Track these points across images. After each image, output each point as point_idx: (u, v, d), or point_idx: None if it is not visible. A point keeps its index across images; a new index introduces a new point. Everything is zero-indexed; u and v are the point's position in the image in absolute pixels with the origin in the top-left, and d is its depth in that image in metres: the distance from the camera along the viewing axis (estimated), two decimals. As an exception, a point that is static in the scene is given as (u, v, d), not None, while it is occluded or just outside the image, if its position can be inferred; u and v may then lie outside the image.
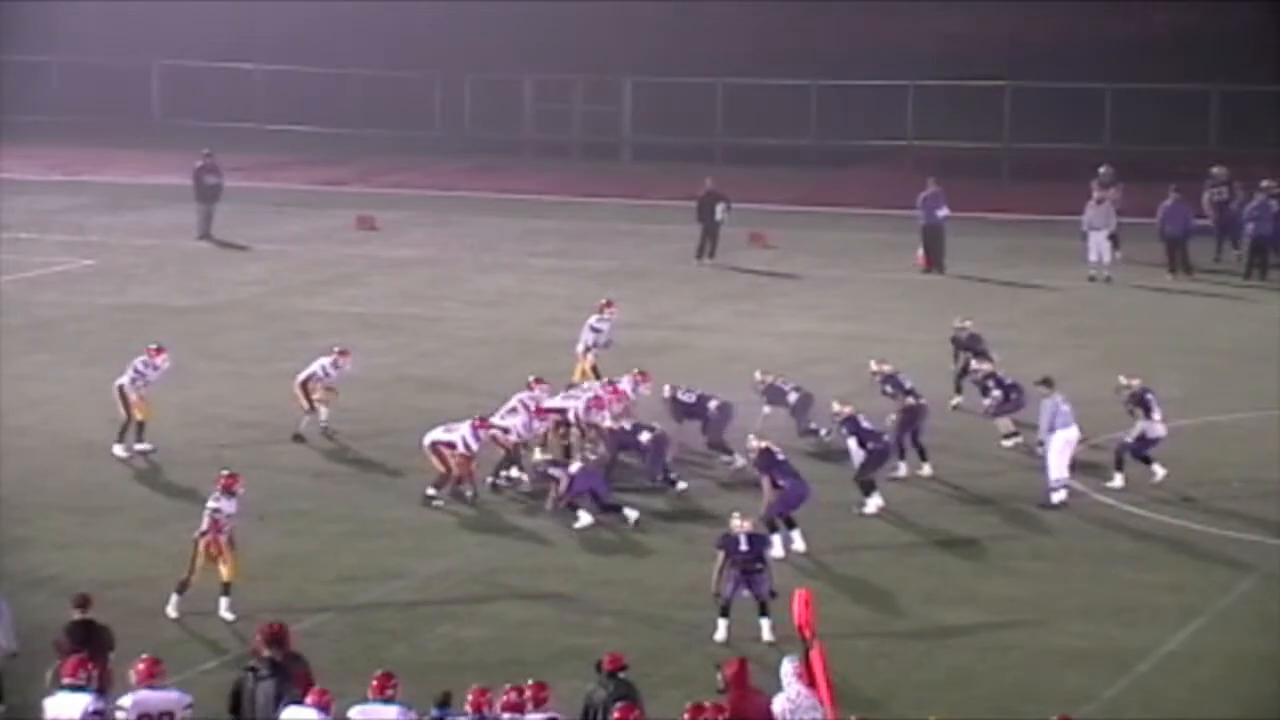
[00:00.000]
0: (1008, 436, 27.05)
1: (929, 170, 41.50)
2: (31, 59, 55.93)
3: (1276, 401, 29.33)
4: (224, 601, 20.72)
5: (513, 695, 15.92)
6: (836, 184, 48.98)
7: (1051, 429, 24.77)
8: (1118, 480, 25.16)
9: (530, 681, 16.13)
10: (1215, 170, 40.58)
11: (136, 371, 26.46)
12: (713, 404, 26.13)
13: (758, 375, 27.02)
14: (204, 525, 20.79)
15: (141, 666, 15.90)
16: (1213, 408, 29.11)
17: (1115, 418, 26.49)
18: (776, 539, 22.19)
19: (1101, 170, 40.63)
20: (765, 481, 22.92)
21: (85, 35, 56.19)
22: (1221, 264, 39.37)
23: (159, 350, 26.76)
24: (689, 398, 26.31)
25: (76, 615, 17.61)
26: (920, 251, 39.36)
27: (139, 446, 26.32)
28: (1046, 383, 25.36)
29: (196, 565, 20.69)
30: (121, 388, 26.41)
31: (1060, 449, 24.70)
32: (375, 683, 15.87)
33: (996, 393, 26.97)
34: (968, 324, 29.01)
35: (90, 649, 16.82)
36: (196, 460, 26.00)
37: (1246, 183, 39.95)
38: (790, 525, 22.70)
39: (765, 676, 16.78)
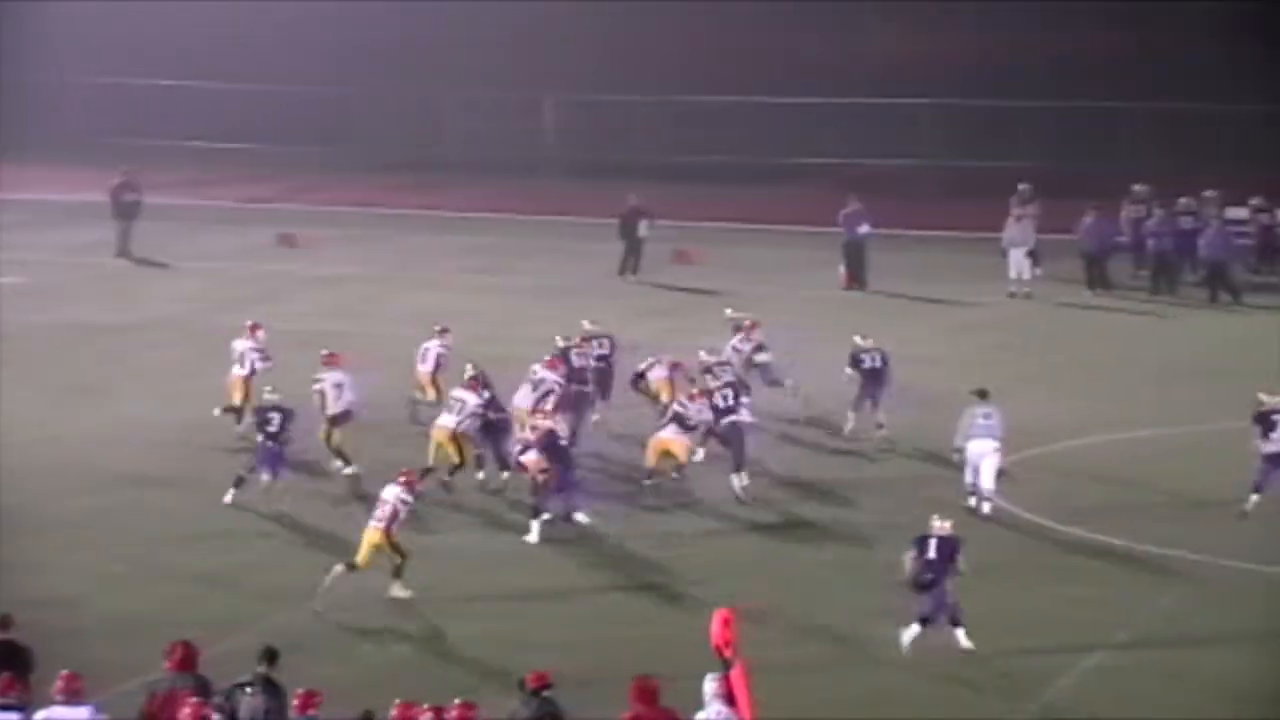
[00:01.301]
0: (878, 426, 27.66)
1: (852, 187, 41.75)
2: (-55, 75, 55.53)
3: (1197, 417, 29.63)
4: (396, 584, 21.77)
5: (438, 714, 15.89)
6: (760, 201, 49.13)
7: (968, 438, 24.93)
8: (1251, 501, 24.74)
9: (457, 700, 16.11)
10: (1136, 188, 40.99)
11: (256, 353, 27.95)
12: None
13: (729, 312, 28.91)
14: (384, 514, 21.64)
15: (60, 683, 15.90)
16: (1134, 423, 29.37)
17: (1038, 434, 26.72)
18: (535, 525, 23.70)
19: (1021, 187, 40.96)
20: (539, 460, 23.85)
21: (1, 51, 55.75)
22: (1137, 280, 39.78)
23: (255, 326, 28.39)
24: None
25: (-1, 636, 17.52)
26: (842, 269, 39.56)
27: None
28: (981, 394, 25.42)
29: (367, 553, 21.75)
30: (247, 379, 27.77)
31: (974, 458, 24.86)
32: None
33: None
34: (868, 342, 28.85)
35: (13, 669, 16.72)
36: (117, 479, 25.83)
37: (1165, 201, 40.38)
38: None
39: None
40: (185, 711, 15.83)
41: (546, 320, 33.07)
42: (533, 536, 23.85)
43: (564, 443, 24.64)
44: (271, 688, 16.28)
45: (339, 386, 26.48)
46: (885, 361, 28.42)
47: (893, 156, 51.57)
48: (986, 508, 24.85)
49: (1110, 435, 28.42)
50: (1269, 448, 24.81)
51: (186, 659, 16.58)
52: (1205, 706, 19.42)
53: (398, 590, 21.90)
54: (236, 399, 27.93)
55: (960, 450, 25.12)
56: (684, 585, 22.55)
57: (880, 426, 27.98)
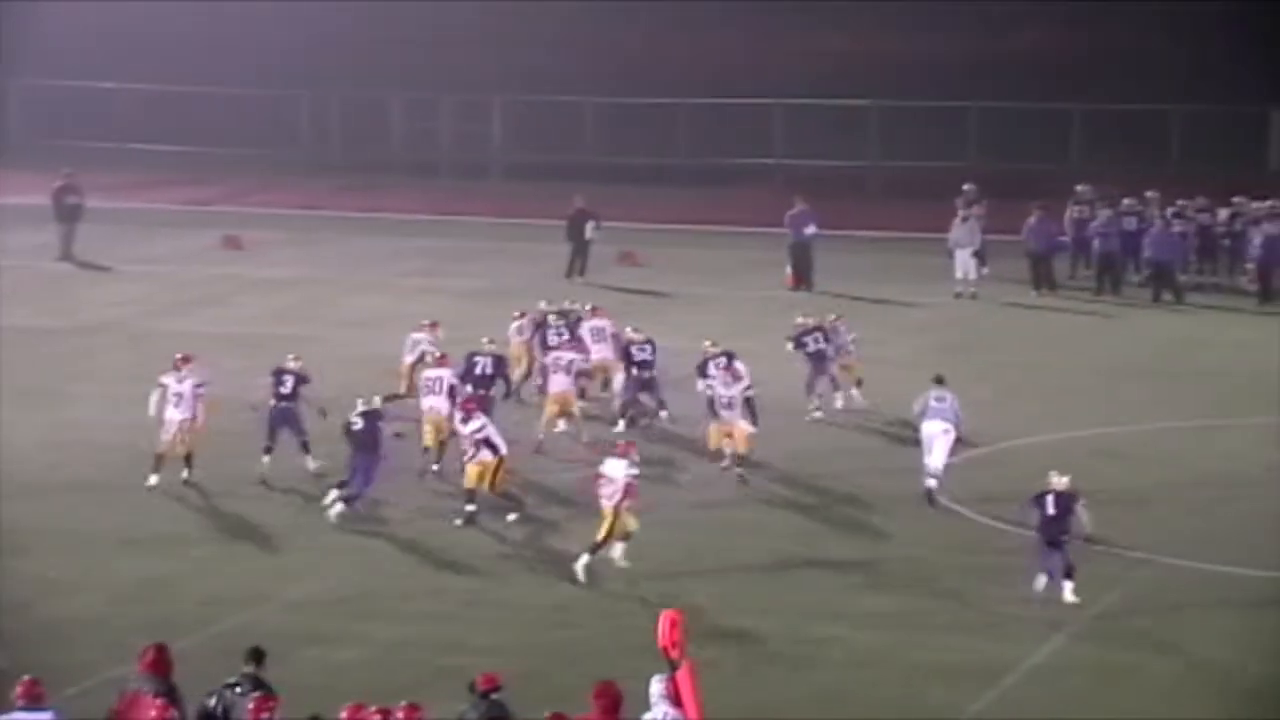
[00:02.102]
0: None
1: (798, 189, 41.79)
2: (-116, 79, 55.09)
3: (1141, 416, 29.77)
4: (619, 548, 22.71)
5: (385, 716, 15.82)
6: (706, 202, 49.16)
7: (922, 415, 25.84)
8: None
9: (403, 703, 16.04)
10: (1080, 188, 41.15)
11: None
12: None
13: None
14: (614, 490, 22.56)
15: (20, 688, 15.82)
16: (1078, 422, 29.48)
17: (983, 434, 26.74)
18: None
19: (966, 188, 41.07)
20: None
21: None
22: (1077, 280, 39.93)
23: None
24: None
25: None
26: (789, 270, 39.59)
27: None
28: (937, 379, 26.23)
29: (611, 527, 22.63)
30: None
31: (927, 440, 25.64)
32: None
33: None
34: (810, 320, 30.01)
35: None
36: (59, 484, 25.65)
37: (1110, 201, 40.55)
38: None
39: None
40: (151, 715, 15.73)
41: (492, 322, 32.93)
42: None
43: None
44: (260, 687, 16.23)
45: (188, 392, 26.04)
46: (828, 340, 29.33)
47: (839, 158, 51.66)
48: (933, 483, 25.28)
49: (1055, 435, 28.50)
50: None
51: (157, 662, 16.47)
52: (1149, 705, 19.49)
53: (620, 560, 22.79)
54: (402, 388, 28.62)
55: (918, 431, 25.89)
56: (627, 585, 22.51)
57: (845, 389, 29.46)
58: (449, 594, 22.25)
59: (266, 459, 26.27)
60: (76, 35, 56.58)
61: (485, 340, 28.54)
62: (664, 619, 16.95)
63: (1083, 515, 21.95)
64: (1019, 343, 35.33)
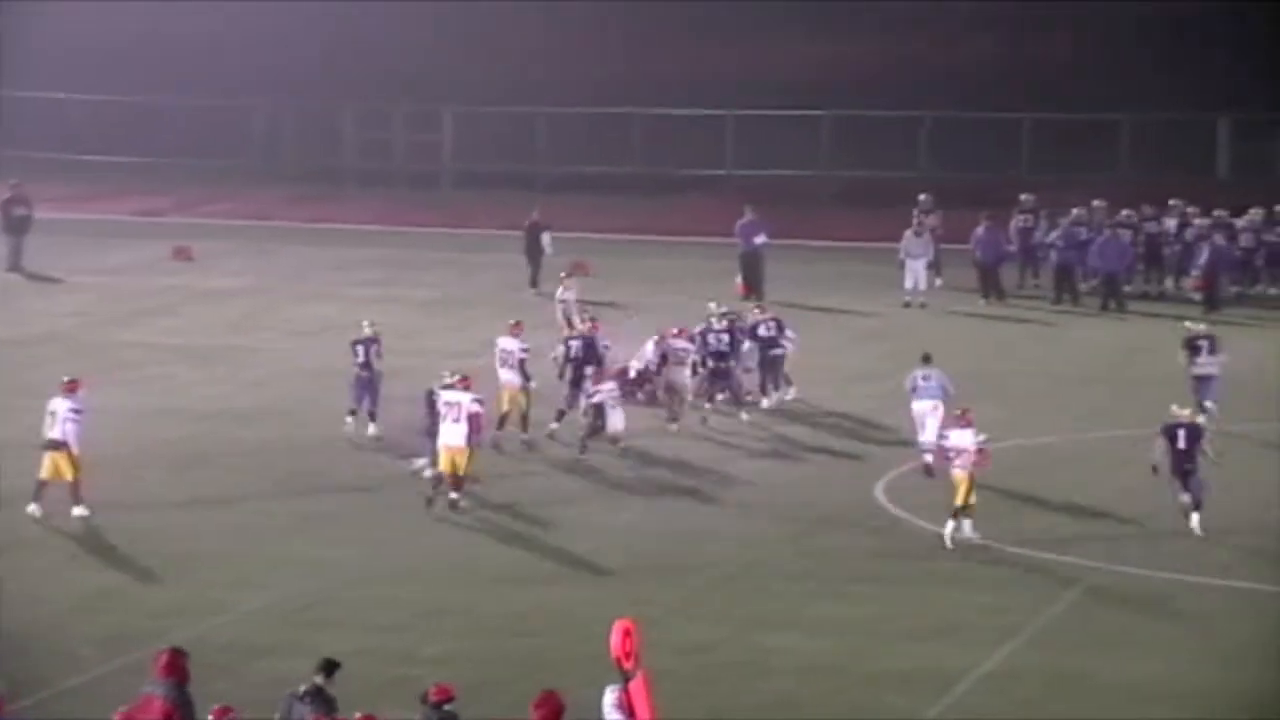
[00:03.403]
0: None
1: (748, 198, 41.89)
2: None
3: (1088, 423, 29.94)
4: (967, 524, 23.81)
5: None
6: (659, 212, 49.22)
7: (913, 391, 27.57)
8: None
9: (357, 715, 16.02)
10: (1023, 198, 41.38)
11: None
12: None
13: (712, 305, 30.63)
14: (970, 457, 23.77)
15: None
16: (1028, 430, 29.62)
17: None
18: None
19: (921, 198, 41.22)
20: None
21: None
22: (1025, 290, 40.13)
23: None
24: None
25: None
26: (739, 279, 39.68)
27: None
28: (925, 358, 27.89)
29: (966, 493, 23.75)
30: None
31: (918, 417, 27.36)
32: None
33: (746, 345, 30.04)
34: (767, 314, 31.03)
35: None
36: (5, 496, 25.49)
37: (1059, 210, 40.77)
38: None
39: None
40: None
41: (441, 332, 33.02)
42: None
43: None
44: (324, 699, 16.17)
45: (61, 414, 25.13)
46: (781, 329, 30.30)
47: (791, 167, 51.79)
48: (929, 458, 26.49)
49: (1003, 443, 28.65)
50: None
51: (171, 666, 16.38)
52: (1100, 712, 19.58)
53: (969, 534, 23.96)
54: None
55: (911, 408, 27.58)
56: (576, 594, 22.52)
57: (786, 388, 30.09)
58: (403, 603, 22.21)
59: (351, 420, 28.14)
60: (26, 45, 56.31)
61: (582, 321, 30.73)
62: (617, 628, 16.93)
63: (1207, 444, 24.08)
64: (967, 351, 35.38)
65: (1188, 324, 30.79)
